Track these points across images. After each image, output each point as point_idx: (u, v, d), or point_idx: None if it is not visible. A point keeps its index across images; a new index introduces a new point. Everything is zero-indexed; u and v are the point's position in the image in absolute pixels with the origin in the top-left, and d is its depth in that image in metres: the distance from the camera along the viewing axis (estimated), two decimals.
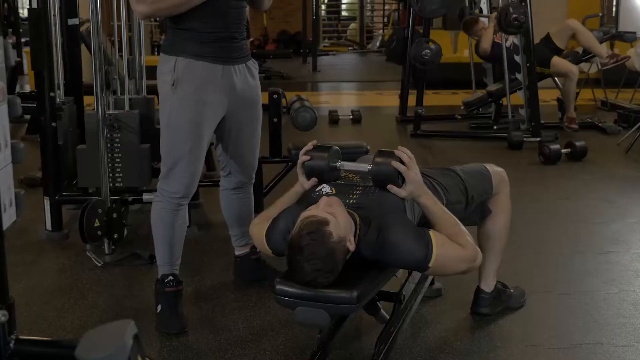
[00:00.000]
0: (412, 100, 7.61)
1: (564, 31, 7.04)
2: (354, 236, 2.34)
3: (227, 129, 3.06)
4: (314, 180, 2.60)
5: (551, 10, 9.75)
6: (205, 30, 2.83)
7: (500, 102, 7.30)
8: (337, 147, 2.64)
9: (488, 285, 3.04)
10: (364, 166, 2.57)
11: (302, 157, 2.61)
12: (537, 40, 6.83)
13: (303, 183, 2.62)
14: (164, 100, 2.91)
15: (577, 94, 7.63)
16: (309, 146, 2.63)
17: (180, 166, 2.91)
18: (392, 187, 2.46)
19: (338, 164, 2.61)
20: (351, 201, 2.48)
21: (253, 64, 3.06)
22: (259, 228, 2.59)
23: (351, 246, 2.31)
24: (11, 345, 1.54)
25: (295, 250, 2.25)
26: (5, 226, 1.58)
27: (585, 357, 2.74)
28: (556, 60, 6.90)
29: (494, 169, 2.97)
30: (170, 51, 2.88)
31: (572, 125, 6.98)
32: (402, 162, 2.44)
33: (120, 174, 4.00)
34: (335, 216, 2.28)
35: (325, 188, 2.54)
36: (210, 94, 2.88)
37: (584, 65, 7.76)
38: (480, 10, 8.06)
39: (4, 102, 1.57)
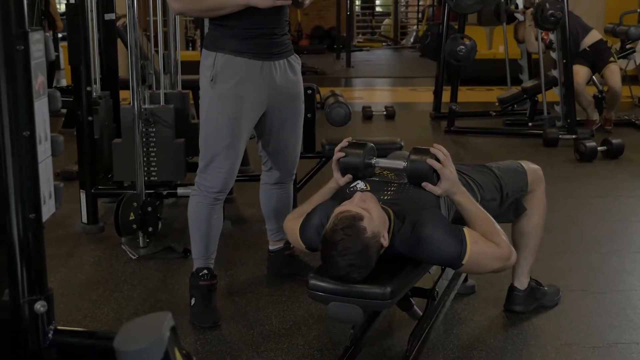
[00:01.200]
0: (446, 96, 7.57)
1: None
2: (388, 232, 2.34)
3: (269, 125, 3.07)
4: (348, 176, 2.60)
5: (588, 6, 9.62)
6: (245, 27, 2.85)
7: (536, 98, 7.22)
8: (372, 144, 2.64)
9: (521, 283, 3.01)
10: (399, 163, 2.57)
11: (338, 154, 2.61)
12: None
13: (338, 179, 2.63)
14: (204, 96, 2.94)
15: None
16: (344, 143, 2.63)
17: (217, 161, 2.92)
18: (427, 185, 2.45)
19: (373, 161, 2.60)
20: (385, 197, 2.47)
21: (295, 60, 3.07)
22: (292, 223, 2.60)
23: (385, 242, 2.31)
24: (50, 335, 1.57)
25: (329, 246, 2.25)
26: (44, 218, 1.60)
27: (620, 357, 2.71)
28: (575, 68, 6.75)
29: (529, 166, 2.94)
30: (211, 47, 2.91)
31: (592, 126, 6.84)
32: (437, 160, 2.44)
33: (155, 168, 4.03)
34: (369, 212, 2.28)
35: (360, 184, 2.54)
36: (248, 90, 2.89)
37: (622, 62, 7.65)
38: (516, 6, 7.98)
39: (45, 96, 1.59)
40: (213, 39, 2.92)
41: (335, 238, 2.23)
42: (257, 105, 2.95)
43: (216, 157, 2.92)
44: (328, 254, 2.27)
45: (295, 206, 3.89)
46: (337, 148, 2.62)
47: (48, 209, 1.61)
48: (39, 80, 1.57)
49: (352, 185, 2.56)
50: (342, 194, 2.53)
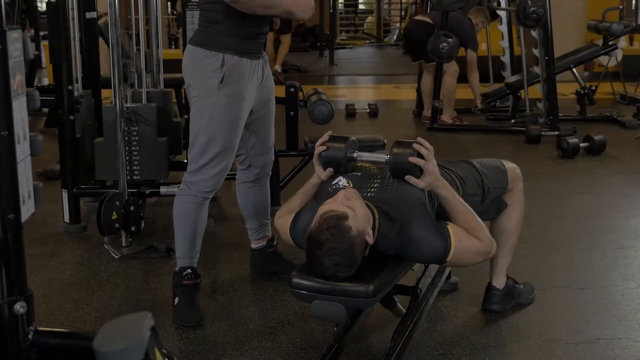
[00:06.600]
0: None
1: None
2: (373, 229, 2.34)
3: (249, 121, 3.06)
4: (329, 170, 2.59)
5: (572, 3, 9.66)
6: (249, 26, 2.84)
7: (518, 95, 7.25)
8: (353, 138, 2.64)
9: (499, 282, 3.01)
10: (381, 156, 2.57)
11: (319, 148, 2.61)
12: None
13: (320, 174, 2.62)
14: (207, 97, 2.87)
15: (596, 87, 7.58)
16: (325, 137, 2.63)
17: (215, 161, 2.91)
18: (410, 178, 2.45)
19: (355, 155, 2.60)
20: (369, 194, 2.47)
21: (264, 56, 3.08)
22: (283, 220, 2.62)
23: (370, 239, 2.31)
24: (30, 336, 1.55)
25: (315, 246, 2.25)
26: (23, 218, 1.58)
27: (602, 352, 2.72)
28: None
29: (509, 164, 2.96)
30: (214, 47, 2.84)
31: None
32: (419, 154, 2.44)
33: (138, 167, 4.01)
34: (353, 209, 2.28)
35: (342, 181, 2.53)
36: (249, 91, 2.91)
37: (603, 59, 7.70)
38: (498, 3, 8.02)
39: (23, 95, 1.58)
40: (214, 38, 2.85)
41: (321, 238, 2.23)
42: (251, 105, 2.98)
43: (215, 158, 2.91)
44: (314, 254, 2.27)
45: (278, 203, 3.90)
46: (319, 142, 2.62)
47: (27, 209, 1.60)
48: (17, 79, 1.55)
49: (334, 183, 2.55)
50: (326, 193, 2.52)
